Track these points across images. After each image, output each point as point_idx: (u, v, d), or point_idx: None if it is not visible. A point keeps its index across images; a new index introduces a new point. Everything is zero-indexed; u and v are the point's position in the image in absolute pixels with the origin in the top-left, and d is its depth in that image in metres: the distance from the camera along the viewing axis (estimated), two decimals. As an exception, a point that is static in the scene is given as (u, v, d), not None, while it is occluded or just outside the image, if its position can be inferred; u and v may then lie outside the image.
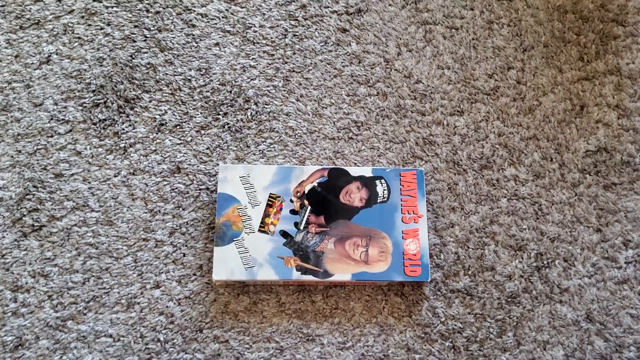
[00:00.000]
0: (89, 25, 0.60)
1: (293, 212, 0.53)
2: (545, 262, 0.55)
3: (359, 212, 0.53)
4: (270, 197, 0.53)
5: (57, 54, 0.59)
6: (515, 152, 0.57)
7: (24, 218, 0.55)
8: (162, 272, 0.54)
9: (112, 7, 0.61)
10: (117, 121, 0.58)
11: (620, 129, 0.58)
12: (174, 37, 0.60)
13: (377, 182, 0.54)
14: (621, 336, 0.53)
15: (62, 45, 0.59)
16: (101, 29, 0.60)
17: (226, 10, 0.61)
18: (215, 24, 0.60)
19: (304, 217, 0.53)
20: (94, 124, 0.57)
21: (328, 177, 0.54)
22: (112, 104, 0.58)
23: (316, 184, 0.54)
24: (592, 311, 0.54)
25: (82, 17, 0.60)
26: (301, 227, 0.53)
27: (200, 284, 0.54)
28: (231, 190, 0.53)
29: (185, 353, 0.52)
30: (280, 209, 0.53)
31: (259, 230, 0.52)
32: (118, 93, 0.58)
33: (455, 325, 0.53)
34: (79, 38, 0.60)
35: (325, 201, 0.53)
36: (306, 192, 0.54)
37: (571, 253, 0.55)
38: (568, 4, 0.61)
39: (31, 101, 0.58)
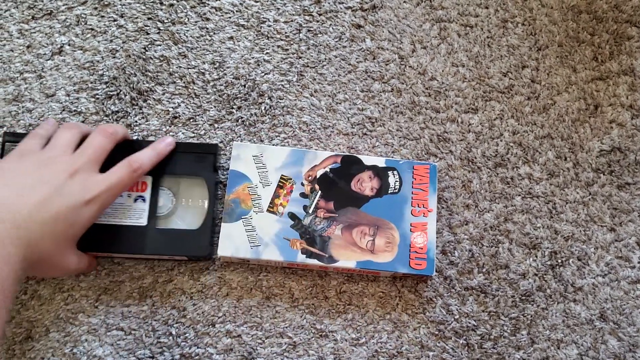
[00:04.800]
0: (102, 16, 0.60)
1: (303, 195, 0.53)
2: (559, 260, 0.55)
3: (368, 201, 0.53)
4: (281, 178, 0.53)
5: (69, 45, 0.59)
6: (530, 151, 0.57)
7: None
8: (174, 266, 0.53)
9: (125, -1, 0.60)
10: (129, 113, 0.57)
11: (634, 129, 0.58)
12: (187, 30, 0.60)
13: (390, 173, 0.54)
14: (635, 336, 0.53)
15: (74, 37, 0.59)
16: (114, 20, 0.60)
17: (240, 4, 0.61)
18: (230, 17, 0.60)
19: (313, 201, 0.53)
20: (107, 115, 0.57)
21: (341, 164, 0.54)
22: (125, 96, 0.57)
23: (328, 170, 0.54)
24: (606, 310, 0.53)
25: (95, 8, 0.60)
26: (310, 211, 0.52)
27: (213, 277, 0.53)
28: (243, 168, 0.53)
29: (197, 347, 0.51)
30: (291, 191, 0.53)
31: (268, 211, 0.52)
32: (131, 85, 0.58)
33: (469, 322, 0.53)
34: (92, 29, 0.59)
35: (336, 187, 0.53)
36: (318, 176, 0.53)
37: (585, 252, 0.55)
38: (582, 4, 0.61)
39: (43, 92, 0.57)
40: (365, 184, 0.53)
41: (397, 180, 0.54)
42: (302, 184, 0.53)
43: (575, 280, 0.54)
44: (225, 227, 0.51)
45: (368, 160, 0.54)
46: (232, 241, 0.51)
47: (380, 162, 0.54)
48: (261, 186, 0.53)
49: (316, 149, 0.57)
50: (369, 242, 0.52)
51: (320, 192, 0.53)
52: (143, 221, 0.51)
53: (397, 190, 0.53)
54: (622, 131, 0.58)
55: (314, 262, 0.51)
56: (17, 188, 0.42)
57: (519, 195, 0.56)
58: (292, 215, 0.52)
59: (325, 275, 0.54)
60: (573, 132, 0.58)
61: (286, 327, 0.52)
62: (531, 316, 0.53)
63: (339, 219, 0.52)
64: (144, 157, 0.50)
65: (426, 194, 0.53)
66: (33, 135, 0.49)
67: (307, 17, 0.60)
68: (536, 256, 0.55)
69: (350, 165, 0.54)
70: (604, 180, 0.57)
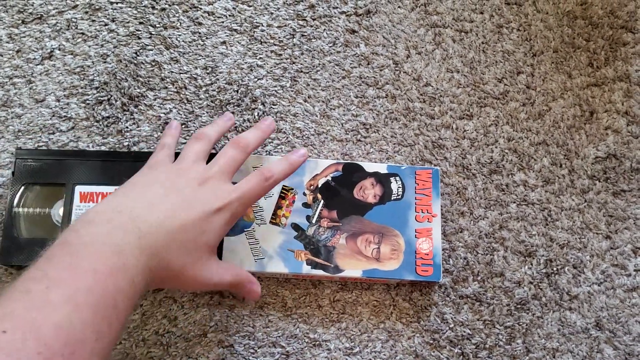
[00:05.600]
0: (93, 21, 0.59)
1: (306, 205, 0.52)
2: (554, 268, 0.54)
3: (372, 209, 0.52)
4: (283, 189, 0.53)
5: (60, 50, 0.58)
6: (525, 158, 0.57)
7: (23, 217, 0.53)
8: (165, 274, 0.53)
9: (116, 3, 0.59)
10: (120, 119, 0.56)
11: (630, 136, 0.58)
12: (179, 35, 0.59)
13: (392, 179, 0.53)
14: (631, 344, 0.52)
15: (65, 41, 0.58)
16: (105, 25, 0.59)
17: (233, 8, 0.60)
18: (222, 22, 0.59)
19: (316, 211, 0.52)
20: (97, 121, 0.56)
21: (342, 172, 0.53)
22: (116, 101, 0.57)
23: (330, 178, 0.53)
24: (602, 319, 0.53)
25: (86, 12, 0.59)
26: (313, 221, 0.52)
27: (205, 286, 0.52)
28: None
29: (189, 357, 0.51)
30: (293, 202, 0.52)
31: (271, 222, 0.52)
32: (122, 90, 0.57)
33: (464, 331, 0.52)
34: (83, 34, 0.59)
35: (339, 196, 0.53)
36: (320, 185, 0.53)
37: (580, 260, 0.54)
38: (578, 10, 0.61)
39: (33, 97, 0.56)
40: (367, 191, 0.53)
41: (400, 186, 0.53)
42: (304, 194, 0.53)
43: (570, 288, 0.54)
44: (228, 241, 0.51)
45: (370, 167, 0.54)
46: (235, 255, 0.50)
47: (382, 168, 0.54)
48: (262, 198, 0.52)
49: (310, 155, 0.56)
50: (374, 250, 0.51)
51: (322, 201, 0.52)
52: None
53: (400, 197, 0.53)
54: (618, 138, 0.58)
55: (319, 272, 0.50)
56: (146, 198, 0.41)
57: (514, 202, 0.56)
58: (296, 226, 0.52)
59: (318, 283, 0.53)
60: (568, 138, 0.58)
61: (279, 337, 0.52)
62: (526, 325, 0.53)
63: (342, 228, 0.52)
64: (277, 167, 0.48)
65: (430, 199, 0.53)
66: (161, 146, 0.48)
67: (300, 22, 0.60)
68: (531, 264, 0.54)
69: (352, 173, 0.53)
70: (600, 187, 0.56)
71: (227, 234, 0.50)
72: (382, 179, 0.53)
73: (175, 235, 0.41)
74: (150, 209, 0.41)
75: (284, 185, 0.52)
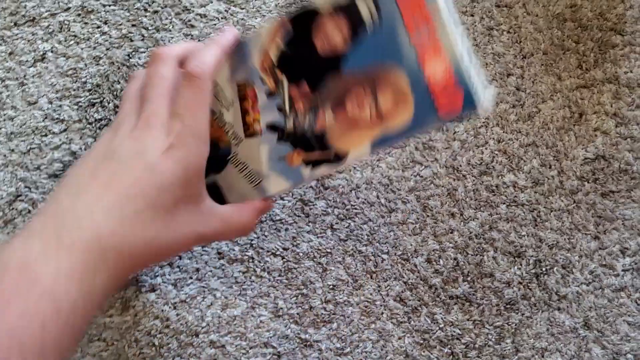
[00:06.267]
0: (86, 23, 0.59)
1: (270, 94, 0.41)
2: (543, 269, 0.55)
3: (348, 57, 0.38)
4: (238, 88, 0.42)
5: (52, 52, 0.58)
6: (515, 159, 0.57)
7: (15, 220, 0.54)
8: (157, 275, 0.53)
9: (109, 5, 0.60)
10: (113, 121, 0.56)
11: (618, 137, 0.58)
12: (172, 37, 0.59)
13: (357, 3, 0.38)
14: (618, 344, 0.53)
15: (57, 43, 0.58)
16: (98, 27, 0.59)
17: (225, 11, 0.60)
18: (215, 24, 0.60)
19: (284, 94, 0.40)
20: (90, 123, 0.56)
21: (294, 28, 0.40)
22: (109, 103, 0.57)
23: (282, 45, 0.40)
24: (590, 318, 0.54)
25: (79, 15, 0.59)
26: (287, 110, 0.40)
27: (197, 287, 0.53)
28: None
29: (181, 358, 0.51)
30: (256, 97, 0.41)
31: (247, 136, 0.42)
32: (114, 92, 0.57)
33: (454, 331, 0.53)
34: (75, 36, 0.59)
35: (301, 61, 0.40)
36: (275, 61, 0.41)
37: (569, 260, 0.55)
38: (567, 12, 0.61)
39: (25, 99, 0.57)
40: (331, 33, 0.38)
41: (371, 5, 0.37)
42: (262, 80, 0.41)
43: (559, 288, 0.54)
44: (222, 180, 0.42)
45: (322, 1, 0.39)
46: (236, 192, 0.42)
47: None
48: (225, 110, 0.42)
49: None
50: (372, 107, 0.38)
51: (286, 79, 0.40)
52: None
53: (377, 20, 0.37)
54: (607, 139, 0.58)
55: (323, 169, 0.40)
56: (83, 201, 0.35)
57: (504, 203, 0.56)
58: (272, 127, 0.41)
59: (309, 283, 0.54)
60: (558, 140, 0.58)
61: (270, 337, 0.52)
62: (516, 325, 0.53)
63: (322, 100, 0.39)
64: (205, 56, 0.38)
65: None
66: (131, 77, 0.43)
67: (292, 25, 0.60)
68: (521, 264, 0.55)
69: (305, 22, 0.39)
70: (588, 189, 0.57)
71: (215, 171, 0.42)
72: (345, 11, 0.38)
73: (124, 221, 0.35)
74: (91, 214, 0.34)
75: (236, 82, 0.42)
